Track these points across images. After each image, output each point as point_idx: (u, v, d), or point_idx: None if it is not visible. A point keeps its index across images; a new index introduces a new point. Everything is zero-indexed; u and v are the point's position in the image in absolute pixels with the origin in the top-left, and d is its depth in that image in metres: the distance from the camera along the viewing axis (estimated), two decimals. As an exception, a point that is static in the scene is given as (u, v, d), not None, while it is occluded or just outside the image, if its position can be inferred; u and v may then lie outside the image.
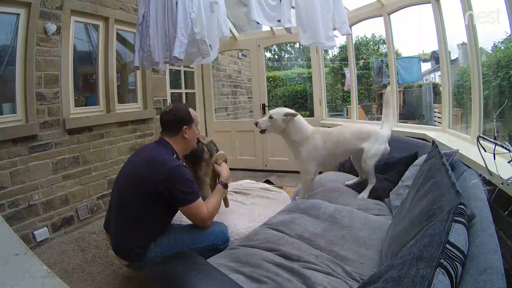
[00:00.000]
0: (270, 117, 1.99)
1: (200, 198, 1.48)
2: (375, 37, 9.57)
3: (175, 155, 1.53)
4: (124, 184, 1.49)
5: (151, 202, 1.41)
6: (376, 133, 2.02)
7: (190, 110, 1.67)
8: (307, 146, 2.00)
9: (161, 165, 1.41)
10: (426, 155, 1.49)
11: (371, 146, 1.97)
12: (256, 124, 2.03)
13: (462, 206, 0.77)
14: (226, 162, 1.85)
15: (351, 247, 1.33)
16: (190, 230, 1.55)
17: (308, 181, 2.06)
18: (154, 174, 1.39)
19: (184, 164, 1.57)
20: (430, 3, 2.37)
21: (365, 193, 1.99)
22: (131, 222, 1.44)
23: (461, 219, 0.73)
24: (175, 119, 1.59)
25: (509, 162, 1.13)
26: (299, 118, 2.03)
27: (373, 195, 1.99)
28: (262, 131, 2.03)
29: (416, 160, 1.86)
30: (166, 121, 1.60)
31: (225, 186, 1.71)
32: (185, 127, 1.58)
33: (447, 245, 0.65)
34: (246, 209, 2.01)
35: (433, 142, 1.69)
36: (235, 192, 2.33)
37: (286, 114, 1.97)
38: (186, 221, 1.62)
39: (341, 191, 2.09)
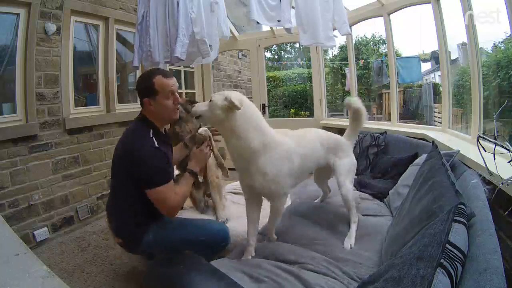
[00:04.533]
0: (210, 100, 1.29)
1: (171, 183, 1.35)
2: (375, 37, 9.56)
3: (152, 130, 1.38)
4: (112, 165, 1.49)
5: (129, 181, 1.35)
6: (345, 144, 1.64)
7: (159, 78, 1.36)
8: (275, 153, 1.31)
9: (131, 145, 1.35)
10: (426, 155, 1.49)
11: (345, 160, 1.57)
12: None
13: (462, 206, 0.77)
14: (210, 142, 1.59)
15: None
16: (189, 222, 1.55)
17: (283, 204, 1.47)
18: (125, 154, 1.36)
19: (158, 145, 1.36)
20: (430, 3, 2.36)
21: (351, 239, 1.43)
22: (119, 201, 1.45)
23: (461, 219, 0.73)
24: (137, 90, 1.44)
25: (509, 162, 1.13)
26: (252, 110, 1.30)
27: (373, 195, 1.99)
28: (198, 117, 1.35)
29: (416, 160, 1.86)
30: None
31: (193, 173, 1.46)
32: (146, 99, 1.38)
33: (447, 245, 0.65)
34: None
35: (433, 142, 1.69)
36: (235, 192, 2.33)
37: (227, 100, 1.21)
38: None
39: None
